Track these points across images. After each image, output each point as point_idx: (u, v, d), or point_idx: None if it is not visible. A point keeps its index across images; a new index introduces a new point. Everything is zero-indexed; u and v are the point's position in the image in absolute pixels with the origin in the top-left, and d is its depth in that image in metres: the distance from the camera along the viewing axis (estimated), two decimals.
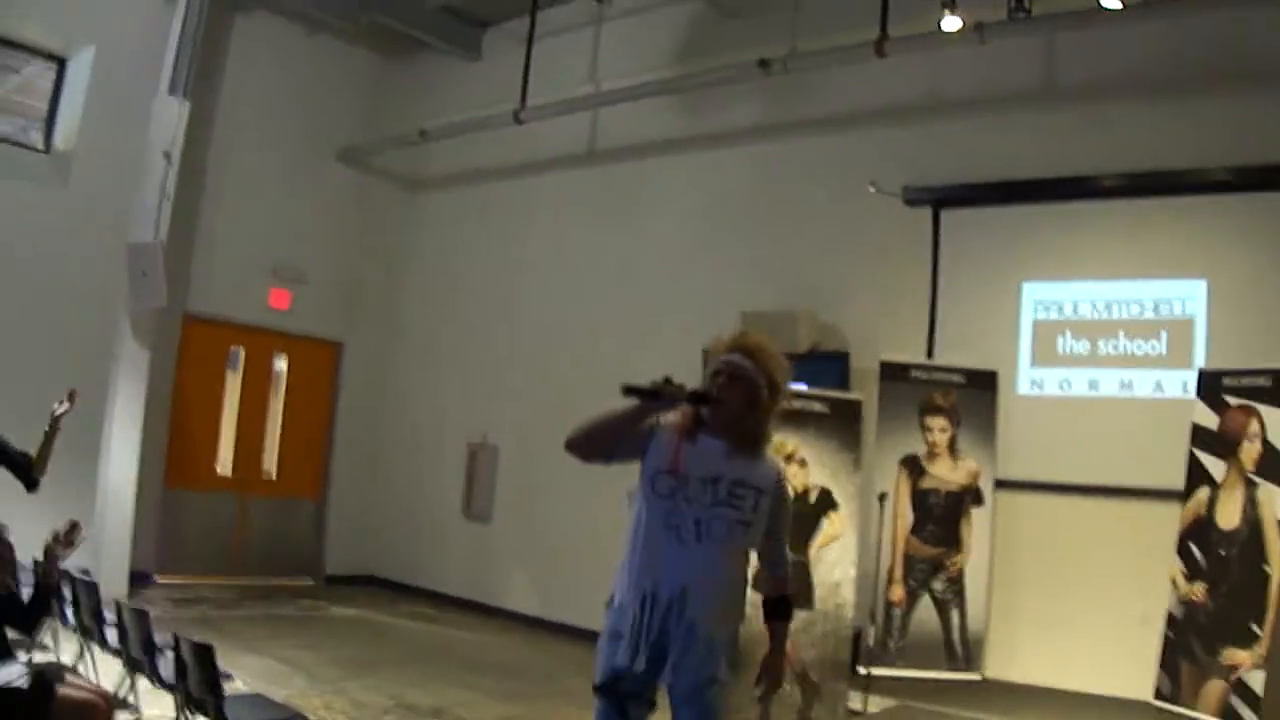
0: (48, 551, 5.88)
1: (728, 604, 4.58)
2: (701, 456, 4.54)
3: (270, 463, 15.20)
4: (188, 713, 6.16)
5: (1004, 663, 9.78)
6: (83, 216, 12.69)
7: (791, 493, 4.84)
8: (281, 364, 15.28)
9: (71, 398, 7.48)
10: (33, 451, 7.44)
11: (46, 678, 5.64)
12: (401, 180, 15.92)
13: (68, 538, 6.01)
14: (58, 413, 7.61)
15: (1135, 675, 8.91)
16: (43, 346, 11.97)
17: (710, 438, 4.57)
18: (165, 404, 13.64)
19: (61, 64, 13.32)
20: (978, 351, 10.22)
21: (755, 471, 4.58)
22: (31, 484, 7.33)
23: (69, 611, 7.76)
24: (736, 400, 4.53)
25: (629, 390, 4.44)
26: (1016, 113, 10.47)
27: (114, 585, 11.26)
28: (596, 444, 4.64)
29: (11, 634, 5.82)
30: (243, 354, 14.87)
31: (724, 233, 12.24)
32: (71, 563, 6.09)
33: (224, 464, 14.74)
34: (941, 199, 10.72)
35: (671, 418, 4.60)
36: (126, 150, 12.79)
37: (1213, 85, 9.41)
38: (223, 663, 5.77)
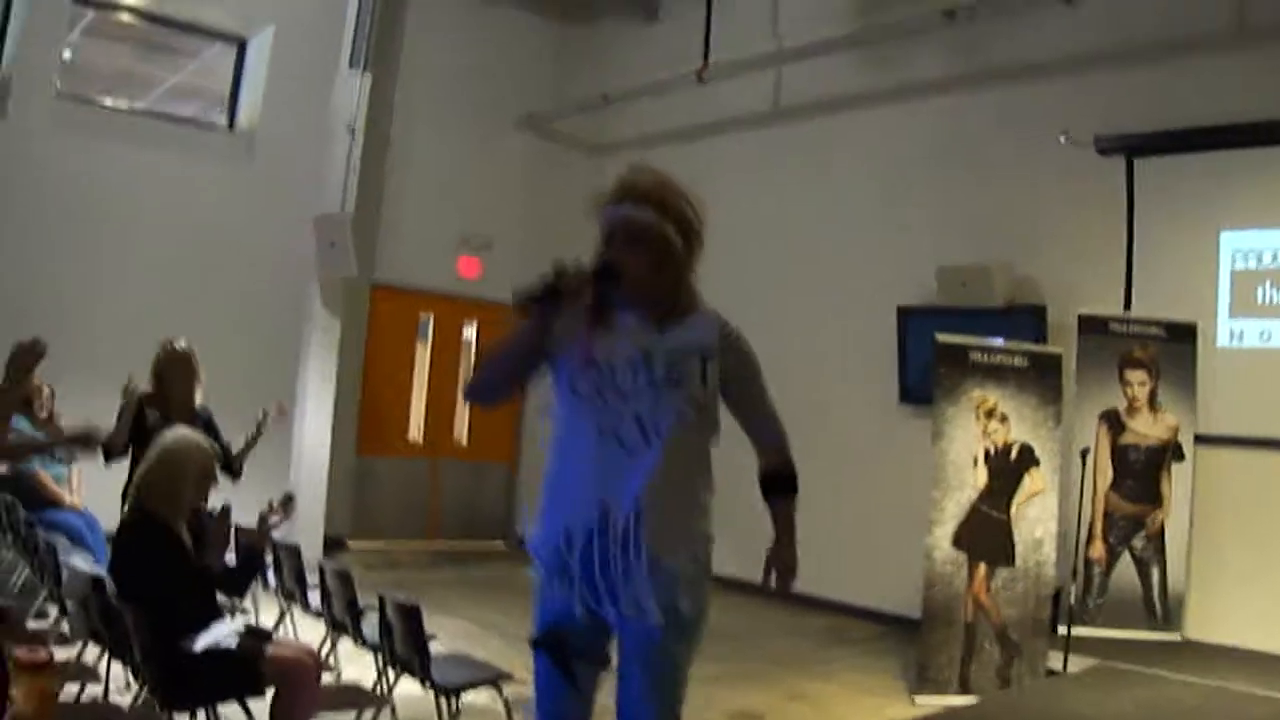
0: (262, 520, 6.02)
1: (689, 519, 3.77)
2: (621, 336, 3.76)
3: (461, 429, 15.40)
4: (391, 672, 6.26)
5: (1205, 623, 9.51)
6: (270, 192, 13.00)
7: (744, 339, 3.98)
8: (471, 331, 15.44)
9: (281, 409, 7.64)
10: (238, 442, 7.70)
11: (256, 636, 5.79)
12: (585, 145, 15.93)
13: (283, 509, 6.15)
14: (265, 420, 7.83)
15: None
16: (237, 320, 12.28)
17: (625, 312, 3.80)
18: (357, 373, 13.95)
19: (242, 45, 13.63)
20: (1176, 303, 9.94)
21: (693, 333, 3.81)
22: (233, 475, 7.56)
23: (270, 575, 7.92)
24: (640, 265, 3.71)
25: (521, 301, 3.70)
26: (1209, 55, 10.11)
27: (310, 550, 11.47)
28: (497, 382, 4.04)
29: (220, 598, 5.97)
30: (432, 322, 15.11)
31: (914, 187, 12.06)
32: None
33: (415, 430, 14.98)
34: (1135, 147, 10.42)
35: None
36: (310, 126, 13.14)
37: None
38: (424, 624, 5.84)
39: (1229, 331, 9.87)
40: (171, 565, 5.47)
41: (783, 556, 4.03)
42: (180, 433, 5.96)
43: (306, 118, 13.19)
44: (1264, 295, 9.72)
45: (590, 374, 3.74)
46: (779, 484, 4.07)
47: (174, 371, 7.71)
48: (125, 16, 13.12)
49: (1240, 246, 9.88)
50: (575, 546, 3.68)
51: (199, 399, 7.78)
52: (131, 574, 5.45)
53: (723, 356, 3.82)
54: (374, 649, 6.45)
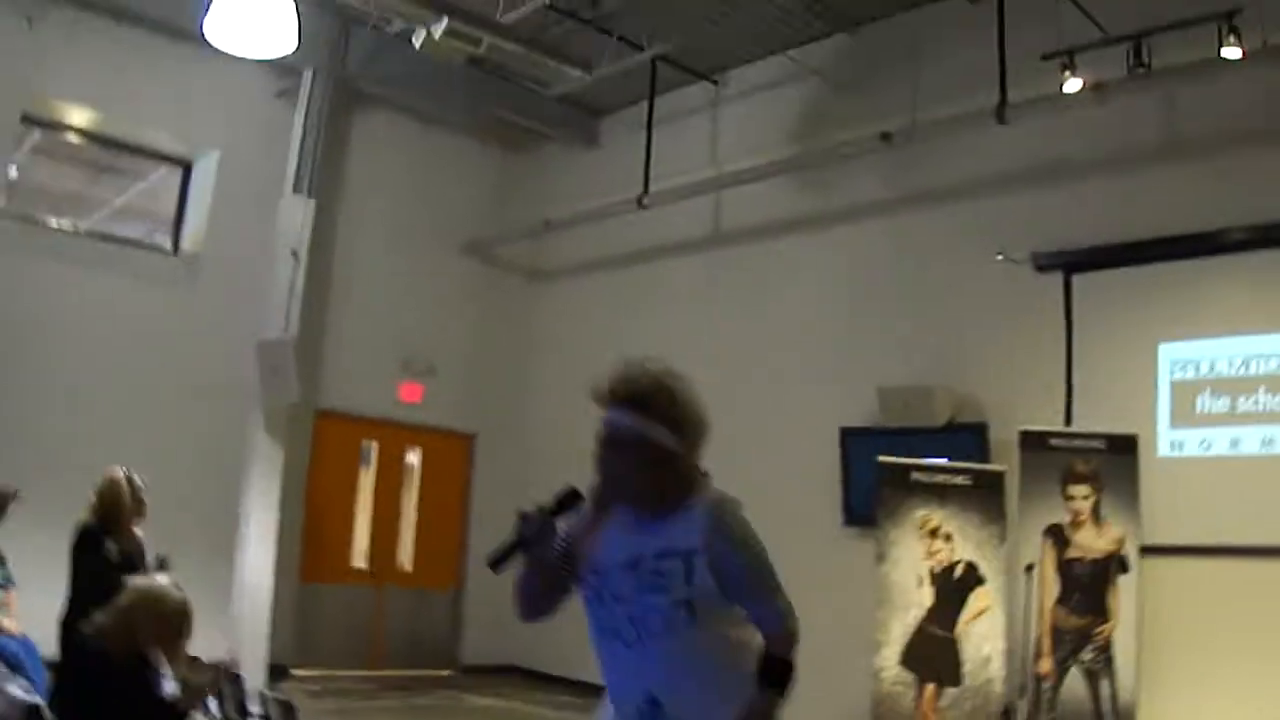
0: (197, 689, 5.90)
1: (710, 697, 3.77)
2: (615, 537, 3.86)
3: (405, 555, 15.25)
4: None
5: None
6: (214, 315, 12.94)
7: (742, 527, 3.84)
8: (414, 457, 15.37)
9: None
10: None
11: None
12: (527, 270, 16.06)
13: (214, 686, 6.09)
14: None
15: None
16: (178, 445, 12.12)
17: (622, 509, 3.88)
18: (299, 499, 13.77)
19: (187, 168, 13.65)
20: (1116, 415, 10.03)
21: (678, 530, 3.77)
22: None
23: (212, 704, 7.81)
24: (626, 471, 3.80)
25: (493, 562, 3.85)
26: (1141, 171, 10.32)
27: (253, 678, 11.34)
28: (535, 605, 4.06)
29: None
30: (375, 448, 15.00)
31: (854, 308, 12.19)
32: (214, 655, 6.12)
33: (359, 557, 14.82)
34: (1071, 263, 10.60)
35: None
36: (254, 250, 13.09)
37: None
38: None
39: (1169, 441, 9.96)
40: (134, 706, 5.40)
41: None
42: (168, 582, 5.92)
43: (251, 241, 13.14)
44: (1203, 404, 9.84)
45: (594, 579, 3.84)
46: (768, 674, 3.82)
47: (118, 500, 7.74)
48: (73, 137, 13.16)
49: (1178, 357, 10.01)
50: None
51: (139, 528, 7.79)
52: (86, 707, 5.35)
53: (709, 552, 3.73)
54: None
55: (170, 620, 5.65)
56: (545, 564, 3.86)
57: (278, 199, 13.35)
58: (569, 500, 3.83)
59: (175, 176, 13.69)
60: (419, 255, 15.15)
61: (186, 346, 12.70)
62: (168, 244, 13.58)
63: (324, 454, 14.29)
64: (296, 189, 13.31)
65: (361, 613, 14.63)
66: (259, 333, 12.84)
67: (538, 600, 4.02)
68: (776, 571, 3.86)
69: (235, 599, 12.44)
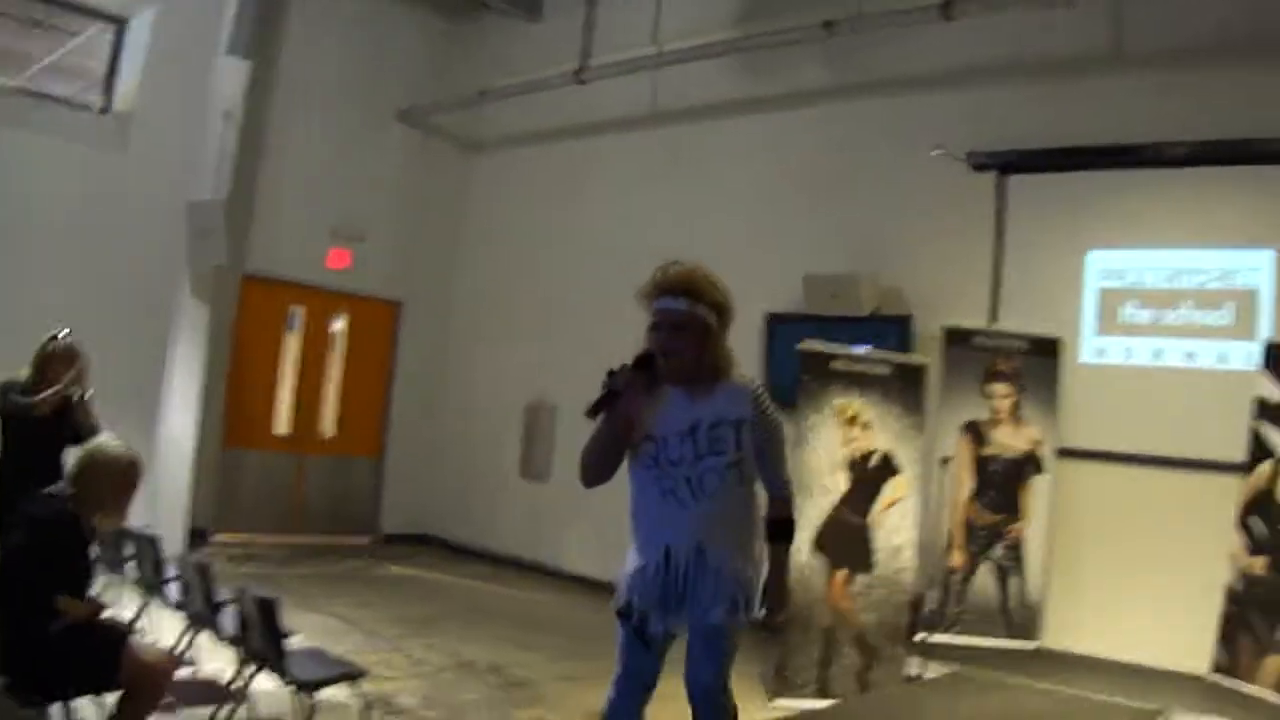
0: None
1: (745, 542, 4.79)
2: (671, 410, 4.72)
3: (328, 422, 15.24)
4: (249, 668, 6.19)
5: (1062, 632, 9.72)
6: (143, 176, 12.71)
7: (772, 407, 4.84)
8: (340, 324, 15.29)
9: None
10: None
11: (116, 631, 5.71)
12: (462, 141, 15.94)
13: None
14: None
15: (1193, 648, 8.75)
16: (104, 305, 11.93)
17: (673, 388, 4.74)
18: (224, 364, 13.69)
19: (121, 25, 13.33)
20: (1041, 318, 10.14)
21: (728, 404, 4.72)
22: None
23: (130, 566, 7.80)
24: (687, 349, 4.69)
25: (593, 410, 4.65)
26: (1085, 78, 10.35)
27: (172, 542, 11.30)
28: (598, 471, 4.79)
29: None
30: (302, 314, 14.90)
31: (787, 195, 12.18)
32: (131, 518, 6.09)
33: (282, 423, 14.79)
34: (1007, 164, 10.63)
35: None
36: (187, 110, 12.89)
37: None
38: (282, 619, 5.78)
39: (1093, 348, 10.08)
40: (69, 561, 5.41)
41: (774, 592, 4.87)
42: (106, 439, 5.93)
43: (183, 102, 12.95)
44: (1128, 314, 9.95)
45: (650, 445, 4.70)
46: (779, 531, 4.89)
47: (56, 365, 7.84)
48: None
49: (1107, 266, 10.10)
50: (648, 577, 4.72)
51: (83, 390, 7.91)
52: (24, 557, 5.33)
53: (754, 423, 4.72)
54: (232, 644, 6.38)
55: (124, 477, 5.66)
56: (622, 421, 4.66)
57: (213, 59, 13.13)
58: (646, 361, 4.65)
59: (108, 34, 13.36)
60: (354, 121, 14.98)
61: (115, 206, 12.52)
62: (99, 103, 13.34)
63: (250, 318, 14.17)
64: (232, 50, 13.09)
65: (283, 479, 14.65)
66: (189, 194, 12.69)
67: (601, 467, 4.78)
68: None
69: (157, 461, 12.37)
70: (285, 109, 14.22)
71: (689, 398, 4.71)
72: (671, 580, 4.68)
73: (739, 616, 4.72)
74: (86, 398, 7.90)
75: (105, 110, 13.20)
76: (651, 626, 4.75)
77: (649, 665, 4.86)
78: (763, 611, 4.87)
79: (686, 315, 4.69)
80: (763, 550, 4.88)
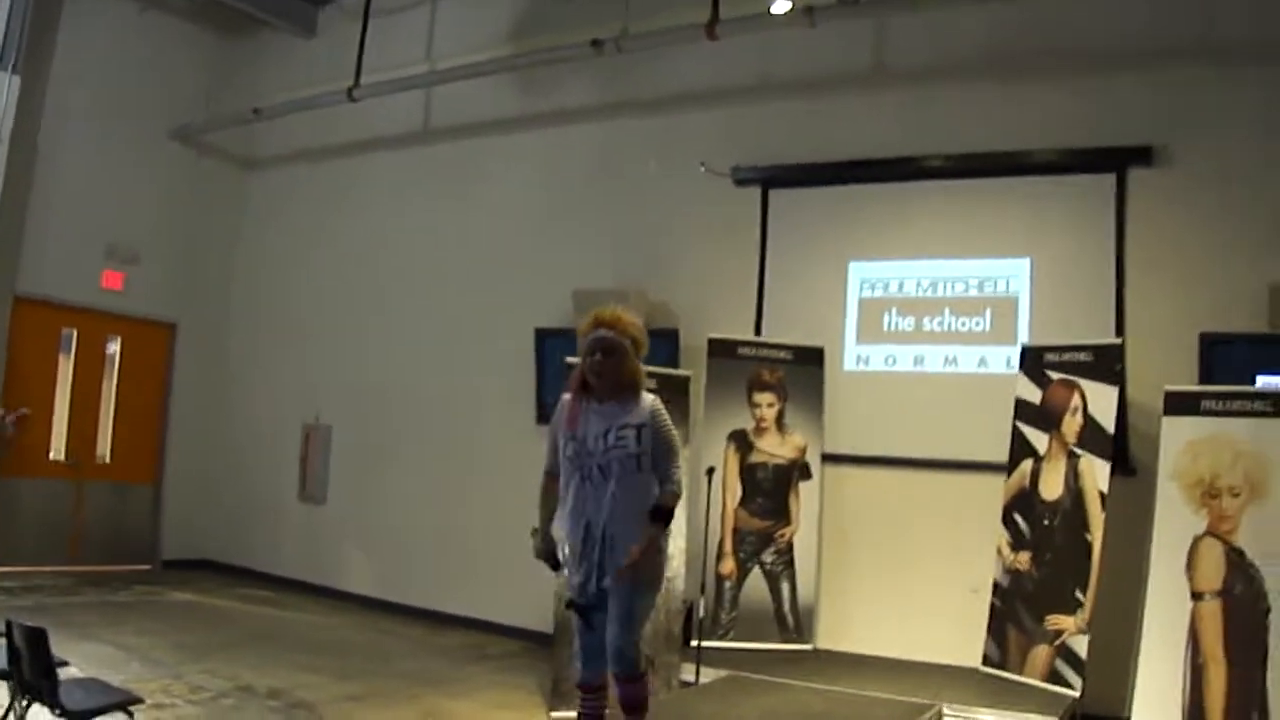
0: None
1: (635, 517, 5.80)
2: (595, 419, 5.91)
3: (104, 447, 14.86)
4: (21, 700, 6.10)
5: (835, 633, 10.01)
6: None
7: (666, 417, 5.98)
8: (115, 346, 14.92)
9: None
10: None
11: None
12: (236, 159, 15.77)
13: None
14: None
15: (964, 643, 9.15)
16: None
17: (599, 402, 5.93)
18: None
19: None
20: (805, 329, 10.44)
21: (634, 412, 5.90)
22: None
23: None
24: (614, 369, 5.88)
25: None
26: (846, 94, 10.69)
27: None
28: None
29: None
30: (75, 336, 14.51)
31: (558, 211, 12.33)
32: None
33: (57, 449, 14.41)
34: (770, 179, 10.94)
35: (566, 398, 6.02)
36: None
37: (1038, 70, 9.75)
38: (58, 650, 5.72)
39: (856, 356, 10.39)
40: None
41: (634, 555, 5.72)
42: None
43: None
44: (889, 322, 10.29)
45: (574, 444, 5.91)
46: (658, 514, 5.85)
47: None
48: None
49: (868, 276, 10.43)
50: (573, 548, 5.91)
51: None
52: None
53: (651, 429, 5.87)
54: (3, 676, 6.29)
55: None
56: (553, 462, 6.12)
57: None
58: (583, 384, 5.97)
59: None
60: (128, 139, 14.65)
61: None
62: None
63: (22, 341, 13.74)
64: (1, 66, 12.83)
65: (60, 507, 14.25)
66: None
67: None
68: (680, 451, 6.08)
69: None
70: (57, 126, 13.83)
71: (606, 409, 5.91)
72: (589, 550, 5.82)
73: (638, 583, 5.80)
74: None
75: None
76: (589, 600, 5.88)
77: (596, 640, 5.94)
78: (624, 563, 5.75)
79: (614, 342, 5.87)
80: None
